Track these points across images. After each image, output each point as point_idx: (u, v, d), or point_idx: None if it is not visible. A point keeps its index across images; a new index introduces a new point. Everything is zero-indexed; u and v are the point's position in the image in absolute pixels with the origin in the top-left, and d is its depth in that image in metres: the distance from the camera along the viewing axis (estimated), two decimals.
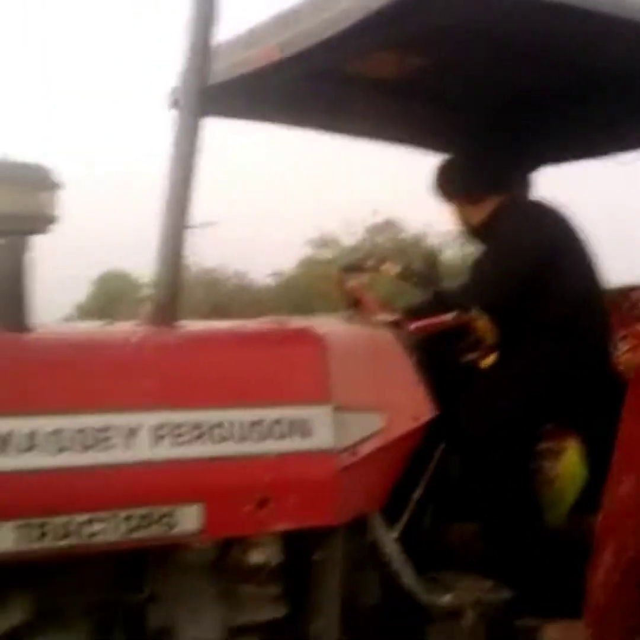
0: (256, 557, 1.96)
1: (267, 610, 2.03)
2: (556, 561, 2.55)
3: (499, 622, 2.51)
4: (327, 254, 26.12)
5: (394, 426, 2.19)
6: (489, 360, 2.63)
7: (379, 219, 24.81)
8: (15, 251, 1.91)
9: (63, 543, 1.71)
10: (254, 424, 1.92)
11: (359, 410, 2.12)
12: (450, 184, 3.07)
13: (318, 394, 2.03)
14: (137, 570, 1.90)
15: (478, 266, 3.00)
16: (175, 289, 2.13)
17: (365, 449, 2.10)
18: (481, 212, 3.04)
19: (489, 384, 2.68)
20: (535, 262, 2.83)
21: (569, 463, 2.67)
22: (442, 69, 2.89)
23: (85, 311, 32.70)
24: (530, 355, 2.79)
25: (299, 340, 2.13)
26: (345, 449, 2.04)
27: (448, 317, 2.64)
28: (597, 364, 2.70)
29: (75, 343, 1.97)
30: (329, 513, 2.01)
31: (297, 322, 2.46)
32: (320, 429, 2.00)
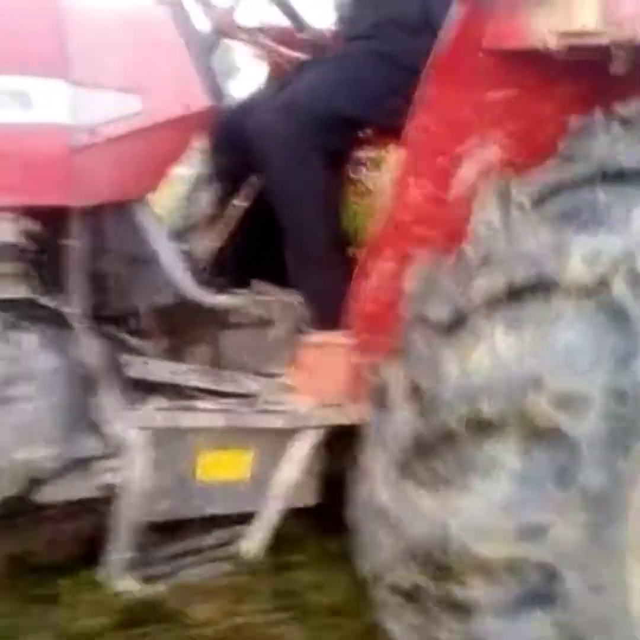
0: None
1: (9, 289, 2.03)
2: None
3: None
4: None
5: (156, 111, 2.05)
6: None
7: None
8: None
9: None
10: None
11: (107, 89, 1.99)
12: None
13: (49, 66, 1.91)
14: None
15: None
16: None
17: (114, 131, 1.99)
18: None
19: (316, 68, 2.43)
20: None
21: (388, 175, 2.48)
22: None
23: None
24: (372, 49, 2.39)
25: (35, 9, 1.98)
26: (85, 129, 1.95)
27: None
28: None
29: None
30: (63, 192, 1.94)
31: None
32: (49, 104, 1.90)
